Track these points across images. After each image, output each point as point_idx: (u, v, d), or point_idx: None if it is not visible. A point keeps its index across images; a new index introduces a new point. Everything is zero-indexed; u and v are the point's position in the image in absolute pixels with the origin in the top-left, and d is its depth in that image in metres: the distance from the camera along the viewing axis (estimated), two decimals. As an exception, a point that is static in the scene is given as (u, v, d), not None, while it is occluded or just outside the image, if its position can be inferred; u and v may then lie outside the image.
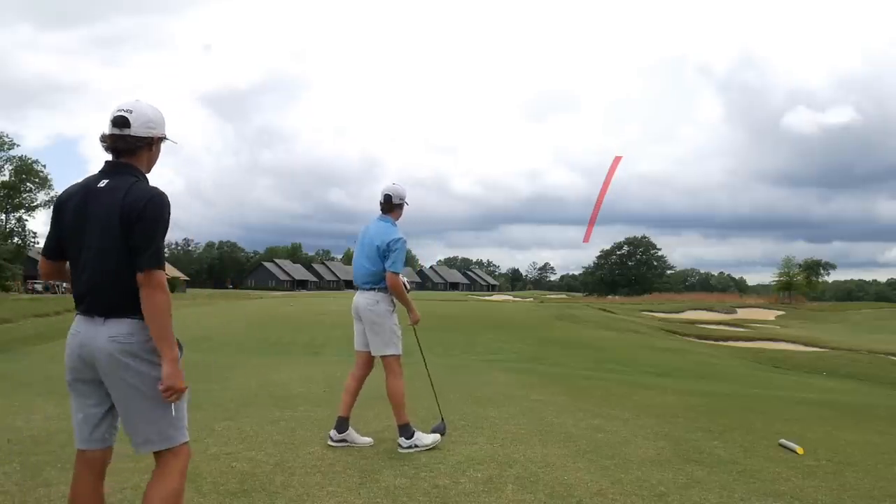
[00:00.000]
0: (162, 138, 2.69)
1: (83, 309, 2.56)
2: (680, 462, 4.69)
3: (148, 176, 2.67)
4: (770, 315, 44.80)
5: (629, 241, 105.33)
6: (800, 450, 5.15)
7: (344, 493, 3.81)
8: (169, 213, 2.54)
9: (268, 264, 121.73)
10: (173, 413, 2.55)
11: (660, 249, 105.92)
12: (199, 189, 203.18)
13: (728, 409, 7.39)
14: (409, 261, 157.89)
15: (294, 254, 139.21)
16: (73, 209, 2.57)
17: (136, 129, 2.56)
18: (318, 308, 31.29)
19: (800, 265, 66.57)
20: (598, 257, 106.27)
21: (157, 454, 2.58)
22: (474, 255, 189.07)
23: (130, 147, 2.57)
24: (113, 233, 2.46)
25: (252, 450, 4.61)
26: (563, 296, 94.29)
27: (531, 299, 70.15)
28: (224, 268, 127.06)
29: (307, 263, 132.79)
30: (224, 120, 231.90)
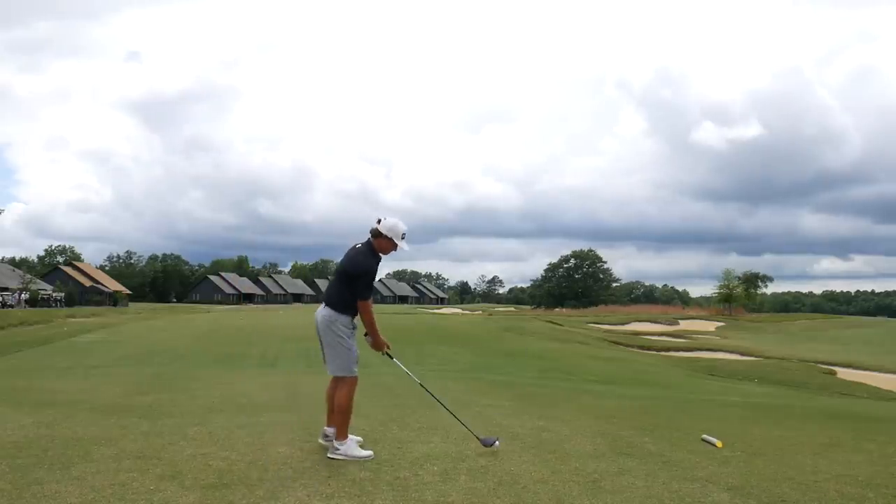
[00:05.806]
0: (390, 238, 5.05)
1: (324, 300, 5.15)
2: (613, 455, 5.27)
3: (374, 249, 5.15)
4: (710, 326, 46.42)
5: (576, 255, 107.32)
6: (719, 443, 5.80)
7: (315, 484, 4.23)
8: (367, 265, 4.98)
9: (213, 277, 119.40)
10: (349, 360, 4.99)
11: (605, 262, 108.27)
12: (128, 200, 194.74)
13: (660, 410, 8.06)
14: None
15: (240, 267, 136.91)
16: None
17: (381, 227, 5.06)
18: (269, 321, 31.28)
19: (739, 278, 68.65)
20: (546, 270, 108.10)
21: (339, 378, 5.02)
22: (419, 267, 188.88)
23: (373, 234, 5.10)
24: (342, 272, 5.14)
25: (225, 450, 4.98)
26: (512, 308, 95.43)
27: (480, 312, 70.95)
28: (168, 281, 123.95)
29: (254, 277, 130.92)
30: (151, 130, 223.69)
